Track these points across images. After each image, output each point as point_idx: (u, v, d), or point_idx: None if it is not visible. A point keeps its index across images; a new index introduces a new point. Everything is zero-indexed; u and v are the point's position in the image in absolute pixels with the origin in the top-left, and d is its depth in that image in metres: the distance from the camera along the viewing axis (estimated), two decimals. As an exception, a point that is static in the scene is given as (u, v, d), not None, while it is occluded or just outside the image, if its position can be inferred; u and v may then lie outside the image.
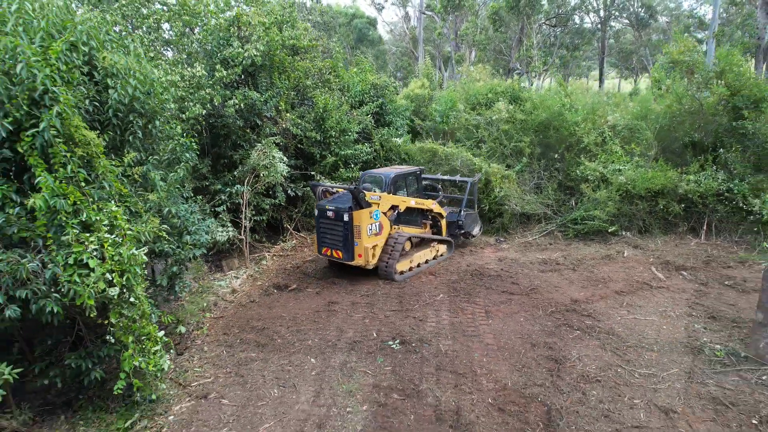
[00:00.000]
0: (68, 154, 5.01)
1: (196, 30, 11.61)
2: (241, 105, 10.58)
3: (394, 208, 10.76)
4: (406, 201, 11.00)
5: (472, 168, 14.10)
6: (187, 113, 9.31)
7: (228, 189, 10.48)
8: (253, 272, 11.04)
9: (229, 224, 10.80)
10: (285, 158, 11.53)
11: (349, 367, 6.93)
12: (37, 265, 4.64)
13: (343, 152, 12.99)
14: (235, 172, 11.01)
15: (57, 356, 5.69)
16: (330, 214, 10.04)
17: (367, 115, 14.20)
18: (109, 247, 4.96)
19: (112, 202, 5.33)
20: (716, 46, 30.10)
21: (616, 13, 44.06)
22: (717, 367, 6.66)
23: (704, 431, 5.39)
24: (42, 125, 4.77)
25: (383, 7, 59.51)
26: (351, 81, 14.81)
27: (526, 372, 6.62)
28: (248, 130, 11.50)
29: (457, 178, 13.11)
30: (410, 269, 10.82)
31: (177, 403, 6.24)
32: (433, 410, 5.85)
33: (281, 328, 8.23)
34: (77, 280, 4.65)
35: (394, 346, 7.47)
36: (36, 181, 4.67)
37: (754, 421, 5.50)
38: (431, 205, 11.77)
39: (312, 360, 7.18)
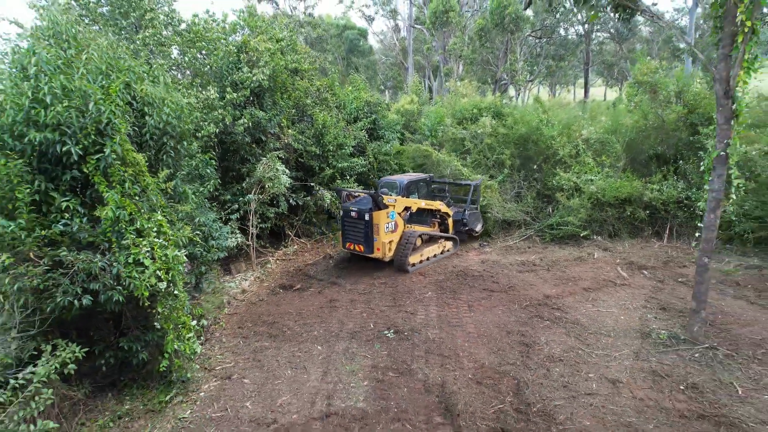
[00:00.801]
0: (124, 173, 6.16)
1: (206, 53, 12.76)
2: (249, 123, 11.75)
3: (407, 209, 12.38)
4: (417, 203, 12.66)
5: (462, 176, 15.45)
6: (201, 132, 10.45)
7: (240, 198, 11.59)
8: (259, 274, 12.16)
9: (238, 231, 11.91)
10: (287, 171, 12.69)
11: (351, 352, 8.10)
12: (106, 263, 5.77)
13: (340, 165, 14.21)
14: (243, 184, 12.14)
15: (108, 341, 6.79)
16: (353, 214, 11.76)
17: (362, 130, 15.45)
18: (158, 249, 6.10)
19: (158, 212, 6.48)
20: (692, 61, 31.84)
21: (598, 26, 45.88)
22: (660, 348, 7.92)
23: (642, 396, 6.63)
24: (107, 151, 5.92)
25: (373, 19, 60.76)
26: (346, 99, 16.07)
27: (500, 354, 7.84)
28: (254, 146, 12.65)
29: (462, 181, 14.83)
30: (420, 262, 12.55)
31: (205, 383, 7.36)
32: (422, 384, 7.04)
33: (289, 322, 9.38)
34: (135, 275, 5.79)
35: (389, 334, 8.66)
36: (105, 197, 5.80)
37: (681, 387, 6.76)
38: (439, 205, 13.45)
39: (318, 347, 8.34)
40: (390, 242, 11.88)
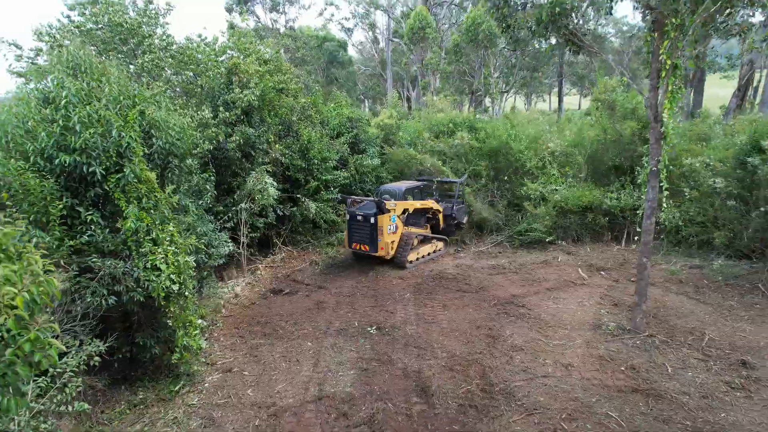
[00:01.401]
0: (140, 190, 7.09)
1: (198, 75, 13.67)
2: (240, 140, 12.70)
3: (405, 211, 13.88)
4: (413, 204, 14.23)
5: (446, 175, 16.87)
6: (197, 149, 11.35)
7: (234, 209, 12.46)
8: (250, 280, 13.05)
9: (230, 240, 12.79)
10: (275, 183, 13.61)
11: (338, 346, 9.09)
12: (128, 268, 6.67)
13: (324, 177, 15.22)
14: (235, 196, 13.04)
15: (121, 339, 7.65)
16: (359, 218, 13.38)
17: (344, 144, 16.51)
18: (171, 256, 7.03)
19: (170, 224, 7.41)
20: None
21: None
22: (608, 338, 9.11)
23: (589, 377, 7.78)
24: (126, 171, 6.85)
25: (352, 31, 61.88)
26: (329, 115, 17.12)
27: (470, 345, 8.93)
28: (244, 160, 13.57)
29: (447, 179, 16.50)
30: (417, 259, 14.22)
31: (209, 375, 8.26)
32: (401, 371, 8.07)
33: (281, 322, 10.32)
34: (153, 278, 6.70)
35: (372, 331, 9.67)
36: (126, 211, 6.72)
37: (622, 368, 7.94)
38: (431, 204, 14.98)
39: (308, 343, 9.30)
40: (392, 242, 13.50)
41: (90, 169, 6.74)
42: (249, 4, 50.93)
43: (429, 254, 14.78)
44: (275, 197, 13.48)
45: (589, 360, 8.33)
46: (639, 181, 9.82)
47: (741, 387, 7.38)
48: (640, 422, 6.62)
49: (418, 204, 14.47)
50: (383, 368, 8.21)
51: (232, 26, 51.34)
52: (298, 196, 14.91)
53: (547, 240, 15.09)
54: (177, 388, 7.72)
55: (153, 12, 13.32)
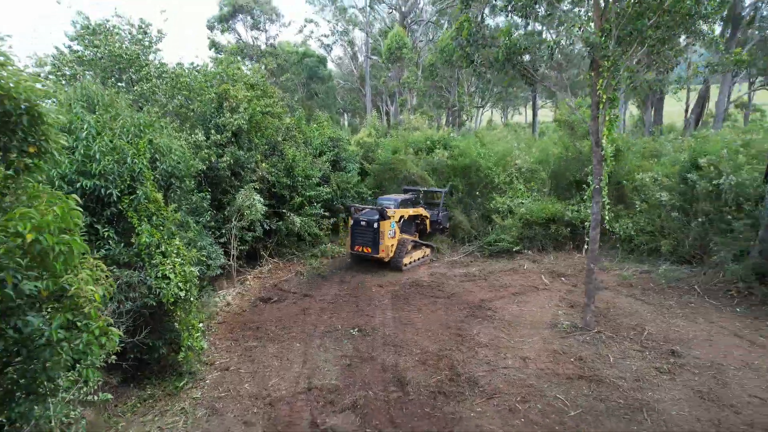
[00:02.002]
0: (150, 209, 8.11)
1: (190, 100, 14.70)
2: (231, 160, 13.74)
3: (401, 218, 15.63)
4: (408, 211, 16.07)
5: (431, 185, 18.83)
6: (192, 169, 12.36)
7: (227, 225, 13.43)
8: (240, 290, 14.00)
9: (222, 253, 13.75)
10: (262, 199, 14.64)
11: (324, 346, 10.15)
12: (142, 277, 7.68)
13: (308, 193, 16.31)
14: (225, 212, 14.03)
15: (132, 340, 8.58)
16: (363, 223, 15.08)
17: (326, 162, 17.66)
18: (178, 267, 8.05)
19: (176, 238, 8.43)
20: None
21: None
22: (562, 335, 10.38)
23: (543, 367, 9.00)
24: (139, 193, 7.88)
25: (332, 48, 63.18)
26: (312, 135, 18.27)
27: (441, 343, 10.09)
28: (233, 178, 14.59)
29: (434, 189, 18.43)
30: (410, 263, 15.85)
31: (209, 373, 9.23)
32: (380, 366, 9.18)
33: (271, 327, 11.33)
34: (164, 286, 7.71)
35: (354, 333, 10.77)
36: (139, 228, 7.73)
37: (572, 360, 9.20)
38: (421, 211, 16.89)
39: (297, 344, 10.34)
40: (391, 246, 15.27)
41: (107, 192, 7.75)
42: (230, 21, 51.99)
43: (419, 258, 16.39)
44: (262, 212, 14.48)
45: (544, 353, 9.58)
46: (585, 197, 11.15)
47: (668, 371, 8.70)
48: (582, 402, 7.86)
49: (412, 211, 16.51)
50: (364, 364, 9.31)
51: (213, 44, 52.40)
52: (283, 211, 15.95)
53: (514, 249, 16.42)
54: (181, 384, 8.68)
55: (147, 42, 14.36)
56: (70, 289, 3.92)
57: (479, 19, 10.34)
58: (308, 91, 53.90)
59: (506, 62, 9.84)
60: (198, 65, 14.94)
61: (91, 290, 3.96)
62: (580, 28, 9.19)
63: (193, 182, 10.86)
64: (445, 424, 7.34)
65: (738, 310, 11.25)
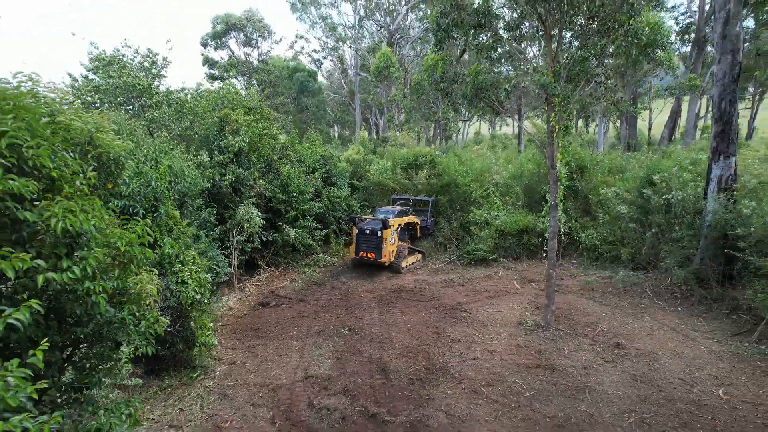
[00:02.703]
0: (170, 224, 9.55)
1: (195, 123, 16.17)
2: (232, 178, 15.19)
3: (399, 226, 17.66)
4: (403, 220, 18.08)
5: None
6: (198, 187, 13.79)
7: (231, 239, 14.83)
8: (240, 296, 15.38)
9: (226, 262, 15.14)
10: (260, 213, 16.09)
11: (318, 343, 11.58)
12: (165, 283, 9.09)
13: (301, 207, 17.78)
14: (227, 225, 15.44)
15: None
16: (368, 231, 17.08)
17: (318, 178, 19.17)
18: (194, 273, 9.47)
19: (191, 249, 9.85)
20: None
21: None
22: (527, 332, 11.90)
23: (507, 358, 10.50)
24: (161, 211, 9.32)
25: (322, 63, 64.86)
26: (305, 153, 19.78)
27: (420, 339, 11.57)
28: (234, 194, 16.03)
29: (422, 198, 20.71)
30: (407, 266, 17.87)
31: (218, 367, 10.61)
32: (367, 359, 10.62)
33: (271, 327, 12.73)
34: (183, 290, 9.13)
35: (344, 332, 12.21)
36: (160, 241, 9.16)
37: (532, 352, 10.72)
38: (413, 218, 19.09)
39: (294, 342, 11.75)
40: (392, 251, 17.32)
41: (134, 210, 9.17)
42: (224, 38, 53.58)
43: (414, 263, 18.40)
44: (260, 225, 15.93)
45: (509, 347, 11.09)
46: (543, 212, 12.74)
47: (612, 360, 10.26)
48: (537, 385, 9.37)
49: (407, 219, 18.70)
50: (353, 357, 10.75)
51: (207, 60, 53.82)
52: (279, 224, 17.39)
53: (490, 258, 17.99)
54: (195, 375, 10.05)
55: (155, 71, 15.84)
56: (134, 287, 5.37)
57: (455, 57, 11.96)
58: (299, 105, 55.40)
59: (474, 97, 11.46)
60: (201, 89, 16.40)
61: (150, 287, 5.40)
62: (534, 70, 10.85)
63: (201, 200, 12.29)
64: (420, 404, 8.81)
65: (679, 309, 12.89)
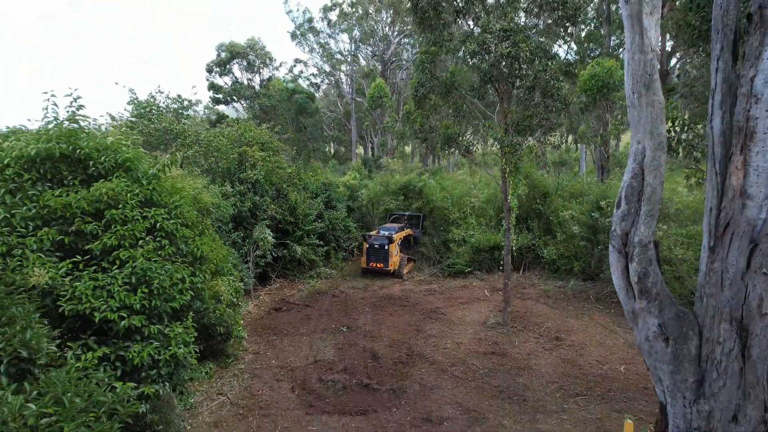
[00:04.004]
0: (212, 245, 12.66)
1: (217, 158, 19.32)
2: (250, 204, 18.33)
3: (400, 239, 21.09)
4: (402, 235, 21.65)
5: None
6: (229, 214, 16.87)
7: (249, 255, 17.93)
8: (256, 303, 18.43)
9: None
10: (271, 233, 19.19)
11: (323, 338, 14.65)
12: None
13: (306, 228, 20.93)
14: (246, 243, 18.52)
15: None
16: (376, 246, 20.78)
17: (320, 202, 22.37)
18: (231, 282, 12.55)
19: (228, 263, 12.95)
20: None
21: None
22: (488, 329, 15.02)
23: (469, 348, 13.62)
24: (206, 233, 12.44)
25: (319, 86, 68.39)
26: (309, 181, 23.01)
27: (404, 335, 14.67)
28: (250, 217, 19.15)
29: (414, 213, 24.24)
30: (407, 273, 21.56)
31: (245, 356, 13.64)
32: (362, 348, 13.71)
33: (284, 327, 15.78)
34: (225, 294, 12.21)
35: (344, 329, 15.29)
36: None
37: (489, 343, 13.85)
38: (409, 231, 22.71)
39: (304, 338, 14.81)
40: (396, 261, 21.15)
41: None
42: (228, 65, 57.13)
43: (409, 271, 21.95)
44: (272, 243, 19.05)
45: (473, 340, 14.21)
46: (500, 234, 15.93)
47: (550, 349, 13.39)
48: (490, 366, 12.48)
49: (405, 233, 22.43)
50: (351, 347, 13.83)
51: (213, 85, 57.24)
52: (288, 242, 20.50)
53: (466, 271, 21.17)
54: (229, 361, 13.09)
55: (186, 114, 19.06)
56: (213, 288, 8.49)
57: (430, 113, 15.26)
58: (297, 124, 58.66)
59: (445, 144, 14.74)
60: (225, 130, 19.64)
61: (223, 288, 8.52)
62: (489, 127, 14.16)
63: (231, 224, 15.41)
64: (401, 378, 11.89)
65: (612, 311, 16.09)
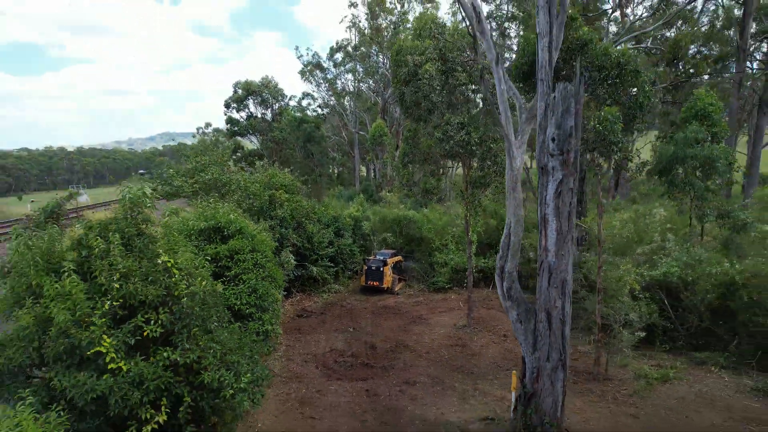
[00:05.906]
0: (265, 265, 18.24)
1: (253, 199, 24.96)
2: (279, 236, 23.91)
3: (392, 263, 26.15)
4: (394, 260, 26.68)
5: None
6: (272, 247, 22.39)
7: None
8: (283, 311, 23.86)
9: (272, 289, 23.67)
10: (293, 257, 24.69)
11: (335, 336, 20.11)
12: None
13: (320, 253, 26.47)
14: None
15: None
16: (374, 267, 25.62)
17: (331, 232, 27.98)
18: (277, 293, 18.07)
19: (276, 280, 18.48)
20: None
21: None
22: (457, 329, 20.46)
23: (442, 342, 19.06)
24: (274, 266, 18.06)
25: (325, 117, 74.41)
26: (321, 214, 28.62)
27: (395, 333, 20.13)
28: (279, 245, 24.69)
29: (403, 251, 29.32)
30: (398, 290, 26.16)
31: (280, 347, 19.09)
32: (364, 342, 19.17)
33: (306, 328, 21.23)
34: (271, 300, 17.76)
35: (350, 330, 20.75)
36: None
37: (456, 338, 19.31)
38: (400, 258, 27.74)
39: (321, 335, 20.26)
40: (389, 280, 25.61)
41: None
42: (244, 102, 63.39)
43: (400, 288, 26.93)
44: (294, 265, 24.56)
45: (444, 336, 19.65)
46: (465, 259, 21.43)
47: (498, 342, 18.84)
48: (453, 353, 17.91)
49: (396, 259, 27.21)
50: (355, 341, 19.27)
51: (230, 120, 63.40)
52: (305, 264, 26.03)
53: (446, 287, 26.64)
54: (269, 351, 18.52)
55: (225, 161, 24.80)
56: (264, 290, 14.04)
57: (414, 171, 20.96)
58: (306, 151, 64.47)
59: (425, 193, 20.36)
60: (253, 173, 25.33)
61: (275, 292, 14.05)
62: (454, 184, 19.76)
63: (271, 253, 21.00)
64: (391, 360, 17.33)
65: (550, 317, 21.51)
